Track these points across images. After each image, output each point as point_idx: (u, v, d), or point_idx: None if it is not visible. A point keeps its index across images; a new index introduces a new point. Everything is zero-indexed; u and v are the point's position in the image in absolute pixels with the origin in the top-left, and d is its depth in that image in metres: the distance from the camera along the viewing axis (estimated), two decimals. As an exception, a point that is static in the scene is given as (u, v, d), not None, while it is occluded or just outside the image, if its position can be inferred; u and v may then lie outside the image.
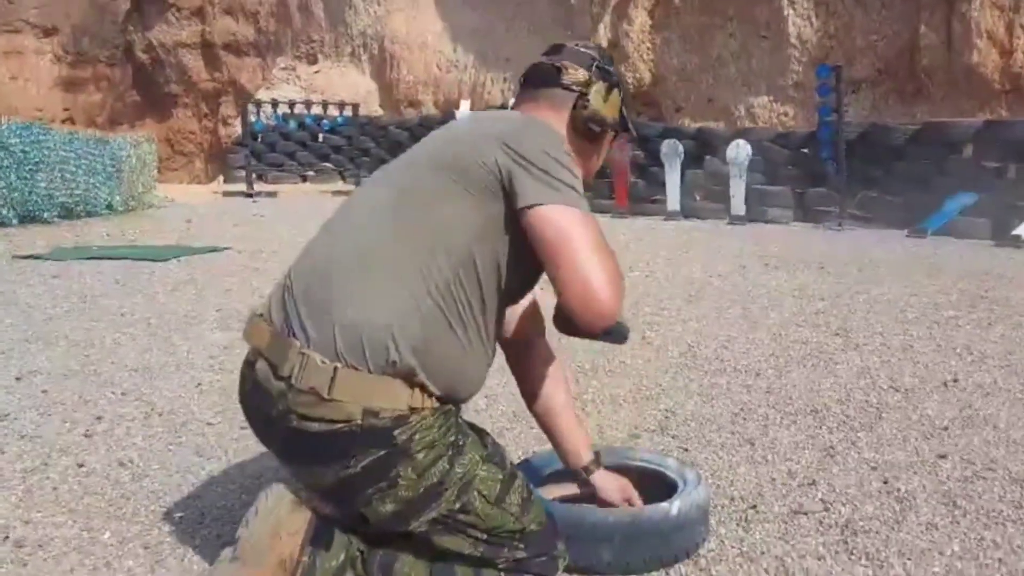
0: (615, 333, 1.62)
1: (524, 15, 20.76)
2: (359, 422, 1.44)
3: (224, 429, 2.89)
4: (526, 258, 1.54)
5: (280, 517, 1.54)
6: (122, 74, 26.75)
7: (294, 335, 1.50)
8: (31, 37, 27.98)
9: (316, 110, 19.91)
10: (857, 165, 11.40)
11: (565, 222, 1.46)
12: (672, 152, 12.86)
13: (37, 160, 11.00)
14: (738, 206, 11.79)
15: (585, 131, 1.69)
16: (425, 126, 19.85)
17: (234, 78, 24.87)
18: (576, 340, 1.74)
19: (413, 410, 1.48)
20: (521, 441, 2.80)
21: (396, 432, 1.46)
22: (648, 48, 18.34)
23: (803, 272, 6.55)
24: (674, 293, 5.60)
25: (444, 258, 1.50)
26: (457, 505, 1.51)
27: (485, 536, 1.54)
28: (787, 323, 4.63)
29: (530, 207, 1.47)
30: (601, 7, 18.73)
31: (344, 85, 22.44)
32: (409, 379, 1.48)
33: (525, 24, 20.70)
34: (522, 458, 2.42)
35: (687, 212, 12.46)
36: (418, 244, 1.51)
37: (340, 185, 18.29)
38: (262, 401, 1.53)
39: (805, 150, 12.88)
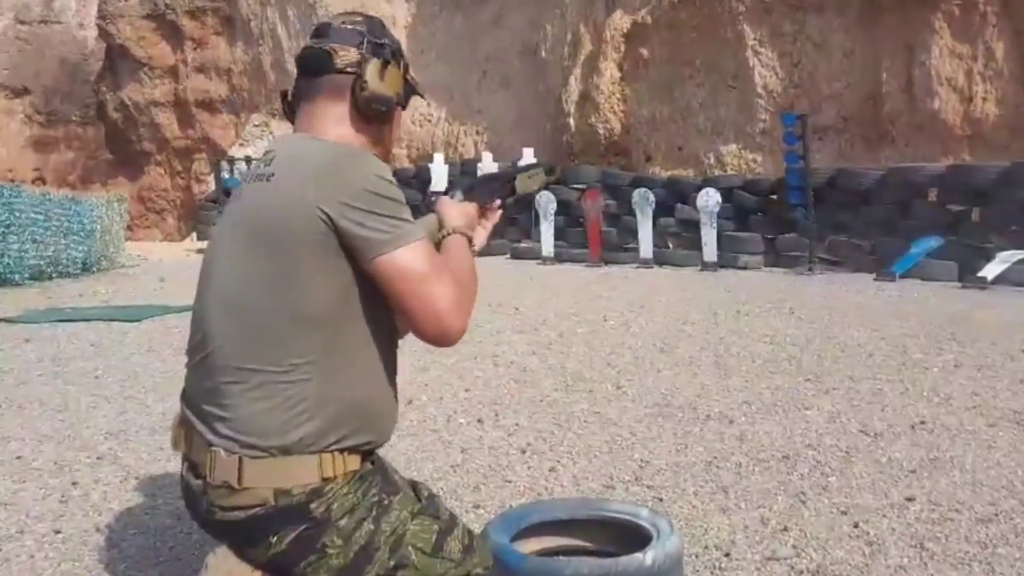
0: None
1: (495, 69, 21.10)
2: (273, 503, 1.46)
3: (201, 491, 2.89)
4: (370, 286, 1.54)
5: (230, 568, 1.57)
6: (94, 133, 26.79)
7: (200, 434, 1.53)
8: (1, 98, 28.02)
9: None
10: (825, 210, 11.62)
11: (405, 265, 1.47)
12: (643, 201, 13.07)
13: (8, 222, 10.99)
14: (710, 253, 11.97)
15: (370, 113, 1.62)
16: (400, 179, 19.98)
17: (207, 135, 24.97)
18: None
19: (326, 480, 1.48)
20: (497, 495, 2.82)
21: (312, 505, 1.47)
22: (618, 99, 18.66)
23: (775, 318, 6.65)
24: (648, 342, 5.67)
25: (311, 333, 1.48)
26: (392, 562, 1.51)
27: None
28: (759, 370, 4.71)
29: (371, 259, 1.47)
30: (571, 60, 19.07)
31: (319, 142, 22.54)
32: (315, 451, 1.48)
33: (497, 77, 21.04)
34: (499, 512, 2.44)
35: (660, 259, 12.60)
36: (280, 326, 1.48)
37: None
38: (192, 500, 1.56)
39: (774, 196, 13.11)
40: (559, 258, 13.48)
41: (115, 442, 3.57)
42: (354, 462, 1.52)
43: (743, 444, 3.30)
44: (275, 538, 1.47)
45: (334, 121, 1.60)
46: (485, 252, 10.54)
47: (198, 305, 1.61)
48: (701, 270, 11.62)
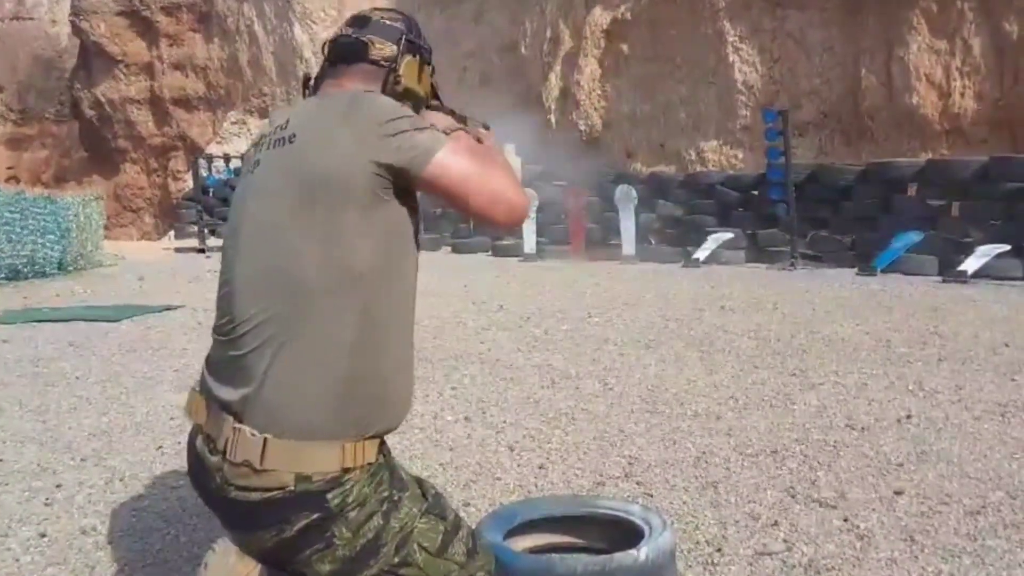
0: None
1: (475, 66, 21.05)
2: (292, 488, 1.44)
3: (187, 493, 2.85)
4: (412, 229, 1.56)
5: (230, 566, 1.56)
6: (69, 130, 26.50)
7: (225, 408, 1.50)
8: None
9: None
10: (806, 206, 11.68)
11: (453, 162, 1.47)
12: (625, 197, 13.09)
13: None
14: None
15: None
16: (381, 177, 19.91)
17: (184, 133, 24.75)
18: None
19: (346, 471, 1.47)
20: (487, 493, 2.81)
21: (329, 495, 1.45)
22: (599, 96, 18.68)
23: (758, 314, 6.67)
24: (632, 338, 5.67)
25: (351, 296, 1.47)
26: (396, 559, 1.49)
27: None
28: (745, 365, 4.72)
29: (422, 173, 1.47)
30: (551, 57, 19.06)
31: (298, 139, 22.42)
32: (339, 438, 1.46)
33: (476, 75, 20.99)
34: (490, 509, 2.43)
35: (643, 256, 12.62)
36: (320, 294, 1.46)
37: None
38: (203, 474, 1.52)
39: (755, 192, 13.17)
40: (541, 255, 13.47)
41: (99, 443, 3.53)
42: (372, 452, 1.50)
43: (731, 439, 3.31)
44: (287, 524, 1.45)
45: None
46: (466, 249, 10.59)
47: (227, 279, 1.56)
48: (684, 266, 11.65)
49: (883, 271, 9.85)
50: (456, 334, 5.77)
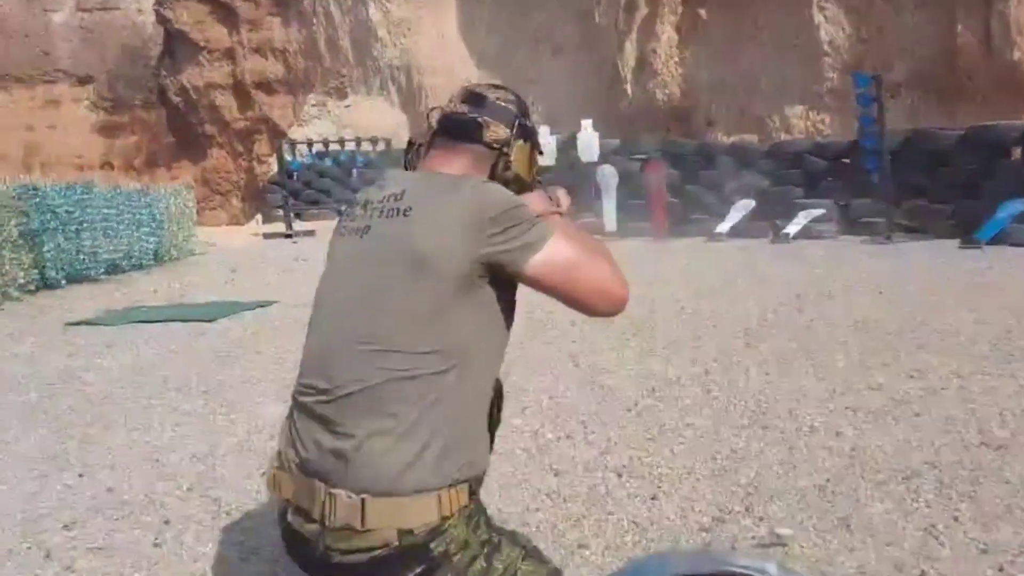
0: None
1: (547, 37, 20.74)
2: (397, 544, 1.44)
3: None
4: (511, 306, 1.60)
5: None
6: (157, 117, 27.16)
7: (315, 475, 1.49)
8: (67, 86, 28.54)
9: (349, 147, 20.11)
10: (901, 173, 11.17)
11: (557, 256, 1.51)
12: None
13: (81, 219, 11.15)
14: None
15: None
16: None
17: (266, 116, 25.15)
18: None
19: (445, 518, 1.47)
20: (601, 531, 2.68)
21: (432, 545, 1.46)
22: (676, 63, 18.21)
23: (861, 300, 6.38)
24: (730, 333, 5.47)
25: (449, 363, 1.49)
26: None
27: None
28: (856, 366, 4.48)
29: (525, 268, 1.50)
30: (627, 25, 18.63)
31: (374, 118, 22.54)
32: (434, 488, 1.47)
33: (548, 46, 20.70)
34: (606, 553, 2.31)
35: (731, 232, 12.27)
36: (420, 361, 1.48)
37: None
38: (301, 545, 1.53)
39: (846, 160, 12.67)
40: (622, 233, 13.23)
41: (203, 467, 3.53)
42: (464, 496, 1.50)
43: (855, 462, 3.11)
44: None
45: None
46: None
47: (322, 340, 1.58)
48: (773, 242, 11.29)
49: (988, 243, 9.35)
50: (545, 329, 5.64)
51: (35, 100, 28.75)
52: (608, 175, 13.41)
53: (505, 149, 1.63)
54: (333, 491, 1.46)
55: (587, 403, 4.10)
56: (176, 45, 25.03)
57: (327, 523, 1.46)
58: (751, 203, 12.48)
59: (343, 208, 1.82)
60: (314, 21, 24.00)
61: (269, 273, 10.36)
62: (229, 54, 25.26)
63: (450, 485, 1.47)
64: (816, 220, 11.58)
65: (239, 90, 25.31)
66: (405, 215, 1.53)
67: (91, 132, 28.07)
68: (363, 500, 1.44)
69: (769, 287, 7.21)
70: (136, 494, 3.27)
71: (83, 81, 28.64)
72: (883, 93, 11.36)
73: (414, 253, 1.49)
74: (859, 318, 5.67)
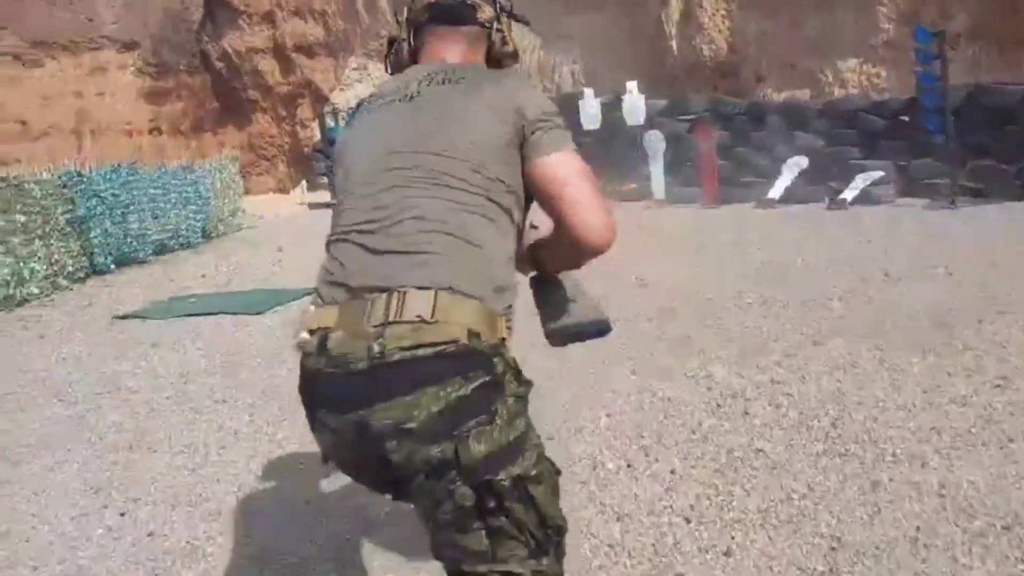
0: (603, 324, 1.83)
1: (586, -9, 20.14)
2: (465, 342, 1.42)
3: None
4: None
5: None
6: (202, 82, 27.24)
7: (377, 289, 1.47)
8: (112, 52, 28.67)
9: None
10: (964, 131, 10.63)
11: (574, 161, 1.57)
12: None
13: (128, 202, 11.13)
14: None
15: (502, 65, 1.80)
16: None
17: (309, 80, 25.08)
18: None
19: (503, 340, 1.49)
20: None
21: (495, 360, 1.45)
22: (723, 16, 17.58)
23: (930, 283, 6.04)
24: (794, 327, 5.19)
25: (509, 196, 1.57)
26: (533, 472, 1.44)
27: (538, 520, 1.44)
28: (935, 371, 4.19)
29: (544, 158, 1.56)
30: (671, -23, 18.02)
31: (414, 81, 22.30)
32: (497, 314, 1.50)
33: (584, 1, 20.10)
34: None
35: (783, 196, 11.86)
36: (482, 196, 1.54)
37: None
38: (344, 367, 1.43)
39: (904, 118, 12.12)
40: (671, 200, 12.88)
41: (245, 501, 3.41)
42: (510, 335, 1.54)
43: (946, 503, 2.86)
44: (464, 379, 1.41)
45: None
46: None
47: (364, 181, 1.59)
48: (829, 208, 10.87)
49: (1060, 207, 8.87)
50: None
51: (82, 68, 28.90)
52: (655, 140, 13.01)
53: (497, 26, 1.76)
54: (402, 288, 1.44)
55: (647, 421, 3.88)
56: (216, 9, 24.94)
57: (391, 318, 1.41)
58: (803, 160, 12.02)
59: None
60: (351, -20, 23.73)
61: (317, 251, 10.23)
62: (269, 17, 25.13)
63: (503, 315, 1.51)
64: (874, 183, 11.12)
65: (280, 54, 25.20)
66: (457, 83, 1.61)
67: (138, 98, 28.15)
68: (436, 293, 1.43)
69: (831, 267, 6.87)
70: (178, 539, 3.15)
71: (128, 47, 28.69)
72: (945, 47, 10.78)
73: (481, 97, 1.58)
74: (928, 306, 5.34)
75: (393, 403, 1.39)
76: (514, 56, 1.79)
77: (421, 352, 1.39)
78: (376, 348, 1.39)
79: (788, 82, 16.36)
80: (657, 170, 12.97)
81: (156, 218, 11.79)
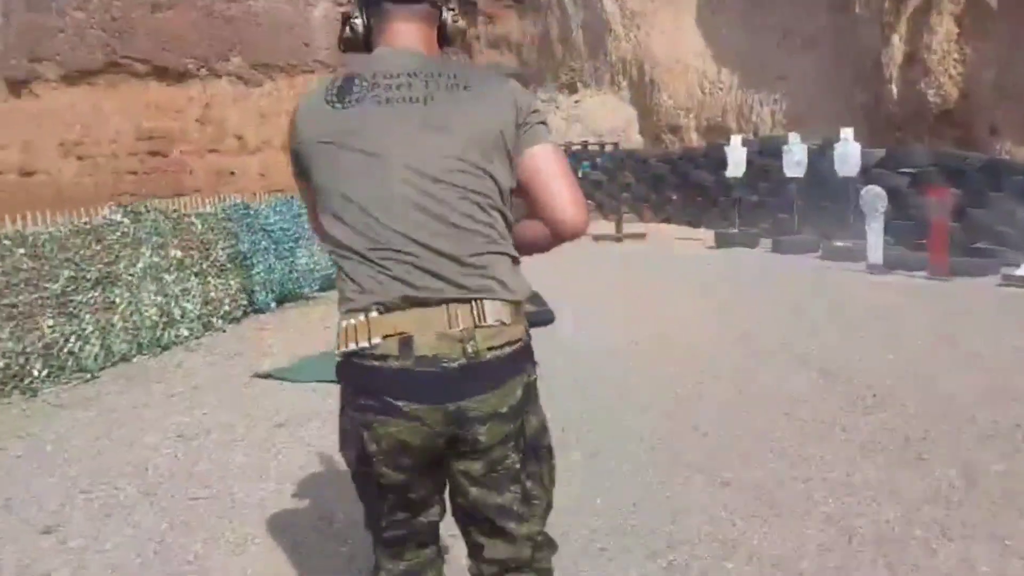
0: (549, 314, 2.04)
1: (798, 28, 18.58)
2: (524, 339, 1.78)
3: None
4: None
5: None
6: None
7: (438, 302, 1.70)
8: (323, 75, 29.92)
9: (576, 148, 19.23)
10: None
11: (555, 153, 1.81)
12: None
13: (296, 236, 10.57)
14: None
15: (451, 41, 1.94)
16: (687, 159, 18.27)
17: (500, 111, 25.20)
18: None
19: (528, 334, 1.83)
20: None
21: (533, 350, 1.83)
22: (955, 60, 15.60)
23: None
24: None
25: (493, 214, 1.77)
26: (554, 461, 1.88)
27: (551, 483, 1.88)
28: None
29: (529, 149, 1.78)
30: (894, 15, 16.22)
31: (604, 113, 21.68)
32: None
33: (799, 39, 18.51)
34: None
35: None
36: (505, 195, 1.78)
37: (601, 224, 16.79)
38: (437, 365, 1.67)
39: None
40: (889, 265, 11.12)
41: None
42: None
43: None
44: (532, 368, 1.81)
45: (430, 45, 1.89)
46: (791, 248, 8.44)
47: (378, 198, 1.74)
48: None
49: None
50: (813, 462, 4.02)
51: (295, 88, 30.62)
52: (875, 197, 11.30)
53: (448, 4, 1.92)
54: (475, 299, 1.70)
55: None
56: (419, 37, 25.64)
57: (479, 323, 1.69)
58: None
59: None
60: (548, 15, 23.54)
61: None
62: (465, 48, 25.41)
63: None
64: None
65: (474, 84, 25.51)
66: (465, 89, 1.77)
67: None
68: (503, 302, 1.73)
69: None
70: None
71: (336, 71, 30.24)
72: None
73: (489, 104, 1.76)
74: None
75: (490, 394, 1.72)
76: (464, 33, 1.95)
77: (505, 351, 1.72)
78: (470, 348, 1.69)
79: (1030, 136, 14.22)
80: (876, 230, 11.22)
81: (281, 259, 10.97)
